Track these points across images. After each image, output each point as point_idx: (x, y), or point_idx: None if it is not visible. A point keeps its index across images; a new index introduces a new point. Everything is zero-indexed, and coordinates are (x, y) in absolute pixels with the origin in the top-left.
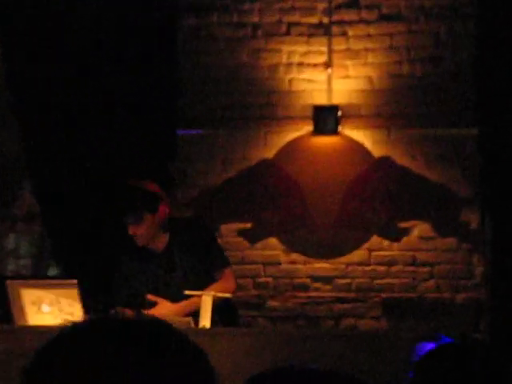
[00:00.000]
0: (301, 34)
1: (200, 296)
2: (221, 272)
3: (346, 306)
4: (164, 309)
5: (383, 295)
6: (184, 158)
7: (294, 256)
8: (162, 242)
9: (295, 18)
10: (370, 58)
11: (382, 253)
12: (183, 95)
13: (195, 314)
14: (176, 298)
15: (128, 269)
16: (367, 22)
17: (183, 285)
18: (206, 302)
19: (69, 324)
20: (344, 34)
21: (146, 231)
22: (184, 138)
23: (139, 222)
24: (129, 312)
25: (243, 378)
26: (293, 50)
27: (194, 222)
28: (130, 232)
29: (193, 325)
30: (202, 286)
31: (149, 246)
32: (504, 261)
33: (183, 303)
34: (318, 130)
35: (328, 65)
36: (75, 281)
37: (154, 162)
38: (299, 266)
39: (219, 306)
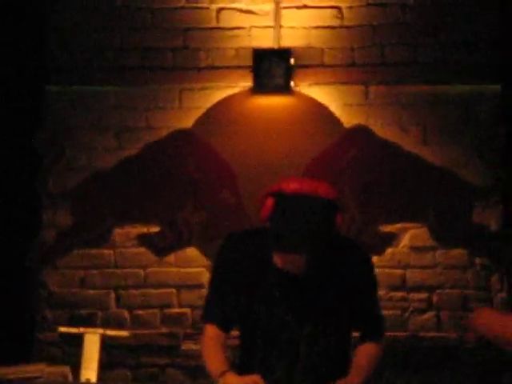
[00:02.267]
0: None
1: None
2: (375, 332)
3: None
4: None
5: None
6: (57, 127)
7: None
8: (301, 263)
9: None
10: None
11: None
12: (56, 35)
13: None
14: (300, 334)
15: (243, 279)
16: None
17: (323, 320)
18: (91, 345)
19: None
20: None
21: (304, 261)
22: (59, 97)
23: (318, 251)
24: None
25: None
26: None
27: (355, 248)
28: (299, 261)
29: (70, 377)
30: (341, 330)
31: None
32: None
33: (360, 371)
34: (261, 87)
35: None
36: None
37: (17, 131)
38: None
39: None
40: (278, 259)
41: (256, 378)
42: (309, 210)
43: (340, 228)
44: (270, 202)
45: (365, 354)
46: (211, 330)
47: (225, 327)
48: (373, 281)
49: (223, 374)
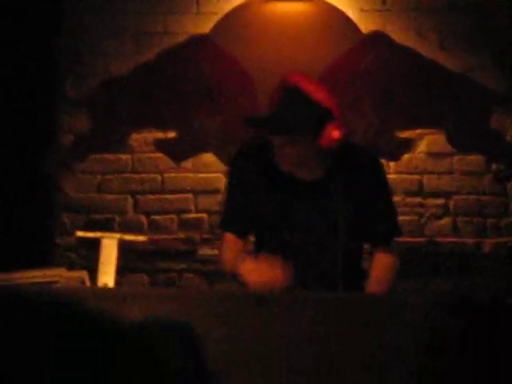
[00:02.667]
0: None
1: None
2: (391, 239)
3: None
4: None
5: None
6: (77, 32)
7: None
8: (314, 167)
9: None
10: None
11: None
12: None
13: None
14: (316, 241)
15: (250, 185)
16: None
17: (333, 229)
18: (109, 249)
19: None
20: None
21: (298, 157)
22: (75, 5)
23: (295, 143)
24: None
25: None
26: None
27: (368, 155)
28: (282, 152)
29: (88, 281)
30: (355, 236)
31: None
32: None
33: (380, 282)
34: None
35: None
36: None
37: (36, 35)
38: None
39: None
40: (277, 157)
41: (275, 259)
42: (302, 102)
43: (357, 133)
44: (277, 93)
45: (382, 267)
46: (229, 238)
47: (241, 234)
48: (383, 183)
49: (243, 261)
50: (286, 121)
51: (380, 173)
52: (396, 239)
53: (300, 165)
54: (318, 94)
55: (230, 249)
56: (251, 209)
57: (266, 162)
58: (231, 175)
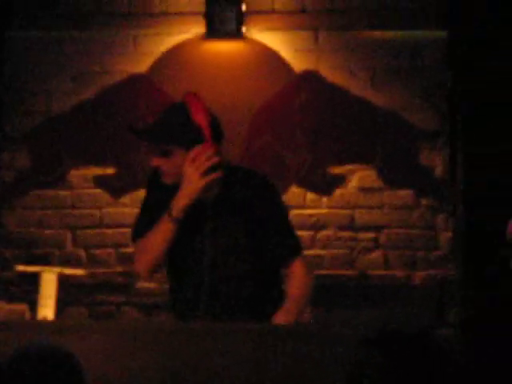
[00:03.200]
0: None
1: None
2: (291, 260)
3: None
4: (283, 317)
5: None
6: (16, 72)
7: None
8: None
9: None
10: None
11: (305, 211)
12: None
13: None
14: (196, 264)
15: (158, 202)
16: None
17: (226, 248)
18: (48, 283)
19: None
20: None
21: (173, 169)
22: (17, 42)
23: (168, 155)
24: None
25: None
26: None
27: (261, 177)
28: (153, 162)
29: (28, 314)
30: (253, 261)
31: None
32: (479, 223)
33: (292, 305)
34: (213, 32)
35: None
36: None
37: None
38: None
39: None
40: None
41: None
42: (173, 117)
43: (290, 169)
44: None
45: (295, 284)
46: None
47: None
48: (275, 203)
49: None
50: (161, 131)
51: (272, 193)
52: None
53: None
54: (198, 116)
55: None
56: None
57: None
58: (147, 191)
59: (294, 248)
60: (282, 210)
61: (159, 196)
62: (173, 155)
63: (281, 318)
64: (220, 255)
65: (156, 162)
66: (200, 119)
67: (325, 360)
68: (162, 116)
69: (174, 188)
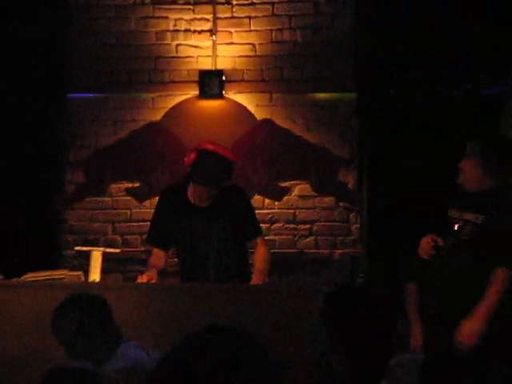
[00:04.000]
0: (187, 2)
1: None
2: (256, 239)
3: None
4: (257, 280)
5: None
6: (75, 120)
7: None
8: (206, 197)
9: None
10: (253, 26)
11: (264, 211)
12: (74, 60)
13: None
14: (209, 242)
15: (167, 212)
16: None
17: (222, 234)
18: (96, 258)
19: None
20: (228, 2)
21: (211, 197)
22: (75, 101)
23: (214, 191)
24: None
25: (131, 329)
26: (179, 18)
27: (237, 189)
28: (204, 193)
29: (83, 278)
30: (237, 240)
31: (193, 199)
32: (378, 219)
33: (260, 273)
34: (204, 94)
35: (213, 32)
36: None
37: (46, 124)
38: None
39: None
40: (192, 196)
41: (151, 273)
42: (217, 162)
43: (254, 184)
44: (193, 153)
45: (260, 259)
46: (154, 250)
47: (163, 247)
48: (250, 206)
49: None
50: (206, 175)
51: (244, 197)
52: (266, 238)
53: (206, 200)
54: (226, 153)
55: (152, 256)
56: (168, 228)
57: (180, 197)
58: (157, 205)
59: (258, 230)
60: (251, 208)
61: (168, 209)
62: (214, 188)
63: (256, 280)
64: (219, 238)
65: (202, 193)
66: (228, 154)
67: (290, 309)
68: (200, 163)
69: (179, 205)
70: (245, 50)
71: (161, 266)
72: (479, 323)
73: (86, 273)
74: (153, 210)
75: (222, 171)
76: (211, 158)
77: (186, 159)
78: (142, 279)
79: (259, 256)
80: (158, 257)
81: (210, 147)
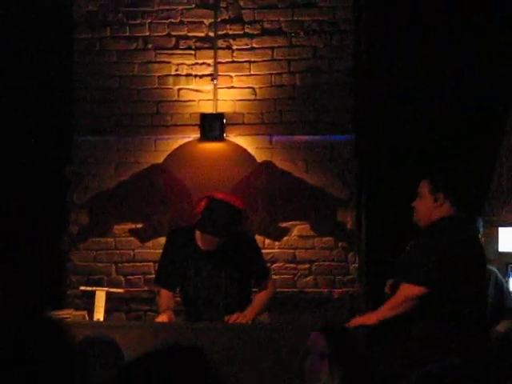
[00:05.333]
0: (188, 47)
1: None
2: (265, 280)
3: None
4: (247, 317)
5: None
6: (79, 162)
7: None
8: (213, 241)
9: (183, 32)
10: (253, 70)
11: (264, 251)
12: (79, 103)
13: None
14: (216, 288)
15: (175, 254)
16: (250, 36)
17: (229, 282)
18: (100, 298)
19: None
20: (229, 47)
21: (217, 242)
22: (79, 143)
23: (226, 236)
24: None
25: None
26: (181, 62)
27: (244, 235)
28: (213, 241)
29: (87, 317)
30: (244, 286)
31: (200, 243)
32: (376, 258)
33: (253, 309)
34: (205, 137)
35: (214, 76)
36: None
37: (50, 166)
38: None
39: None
40: (200, 240)
41: (169, 313)
42: (227, 211)
43: (253, 224)
44: (204, 202)
45: (258, 298)
46: (162, 291)
47: (170, 288)
48: (258, 252)
49: (161, 312)
50: (216, 225)
51: (254, 245)
52: (271, 278)
53: (213, 247)
54: (237, 202)
55: (162, 297)
56: (176, 270)
57: (187, 240)
58: (165, 247)
59: (265, 273)
60: (259, 253)
61: (176, 251)
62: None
63: (246, 316)
64: (226, 285)
65: (211, 240)
66: (239, 203)
67: (282, 346)
68: (210, 213)
69: (187, 248)
70: (245, 94)
71: (172, 307)
72: (362, 320)
73: (90, 312)
74: (156, 251)
75: (231, 221)
76: (221, 207)
77: (196, 207)
78: (163, 319)
79: (263, 294)
80: (168, 298)
81: (220, 196)
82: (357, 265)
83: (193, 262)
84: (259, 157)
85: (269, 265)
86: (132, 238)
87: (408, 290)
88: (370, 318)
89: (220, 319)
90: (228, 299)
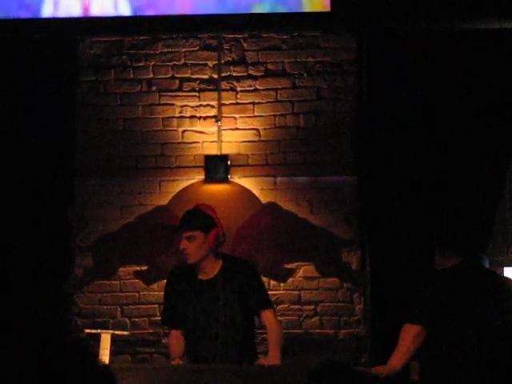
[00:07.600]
0: (192, 89)
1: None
2: (265, 311)
3: None
4: (274, 359)
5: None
6: (83, 205)
7: None
8: (212, 269)
9: (187, 74)
10: (257, 111)
11: (269, 292)
12: (83, 146)
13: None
14: (215, 317)
15: (176, 292)
16: (254, 78)
17: (229, 311)
18: (105, 340)
19: None
20: (232, 88)
21: (195, 249)
22: (83, 186)
23: (191, 240)
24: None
25: None
26: (185, 104)
27: (246, 261)
28: (181, 246)
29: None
30: (245, 314)
31: (199, 274)
32: (381, 299)
33: (276, 352)
34: (209, 178)
35: (218, 118)
36: None
37: (54, 209)
38: None
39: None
40: (200, 270)
41: (177, 362)
42: (194, 211)
43: (259, 265)
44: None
45: (273, 334)
46: (172, 333)
47: (177, 326)
48: (258, 279)
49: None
50: (189, 222)
51: (255, 272)
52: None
53: (199, 262)
54: (210, 211)
55: (171, 340)
56: (179, 305)
57: (187, 273)
58: (166, 285)
59: (266, 303)
60: (258, 281)
61: (176, 288)
62: (196, 239)
63: (272, 356)
64: (226, 314)
65: (183, 245)
66: (212, 213)
67: None
68: (185, 214)
69: (186, 283)
70: (249, 135)
71: (182, 352)
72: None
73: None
74: (160, 293)
75: (198, 221)
76: (194, 212)
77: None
78: None
79: (272, 331)
80: (177, 340)
81: (199, 205)
82: (362, 306)
83: (192, 293)
84: (264, 198)
85: (274, 306)
86: (137, 280)
87: (408, 330)
88: (395, 366)
89: (219, 349)
90: (228, 328)
